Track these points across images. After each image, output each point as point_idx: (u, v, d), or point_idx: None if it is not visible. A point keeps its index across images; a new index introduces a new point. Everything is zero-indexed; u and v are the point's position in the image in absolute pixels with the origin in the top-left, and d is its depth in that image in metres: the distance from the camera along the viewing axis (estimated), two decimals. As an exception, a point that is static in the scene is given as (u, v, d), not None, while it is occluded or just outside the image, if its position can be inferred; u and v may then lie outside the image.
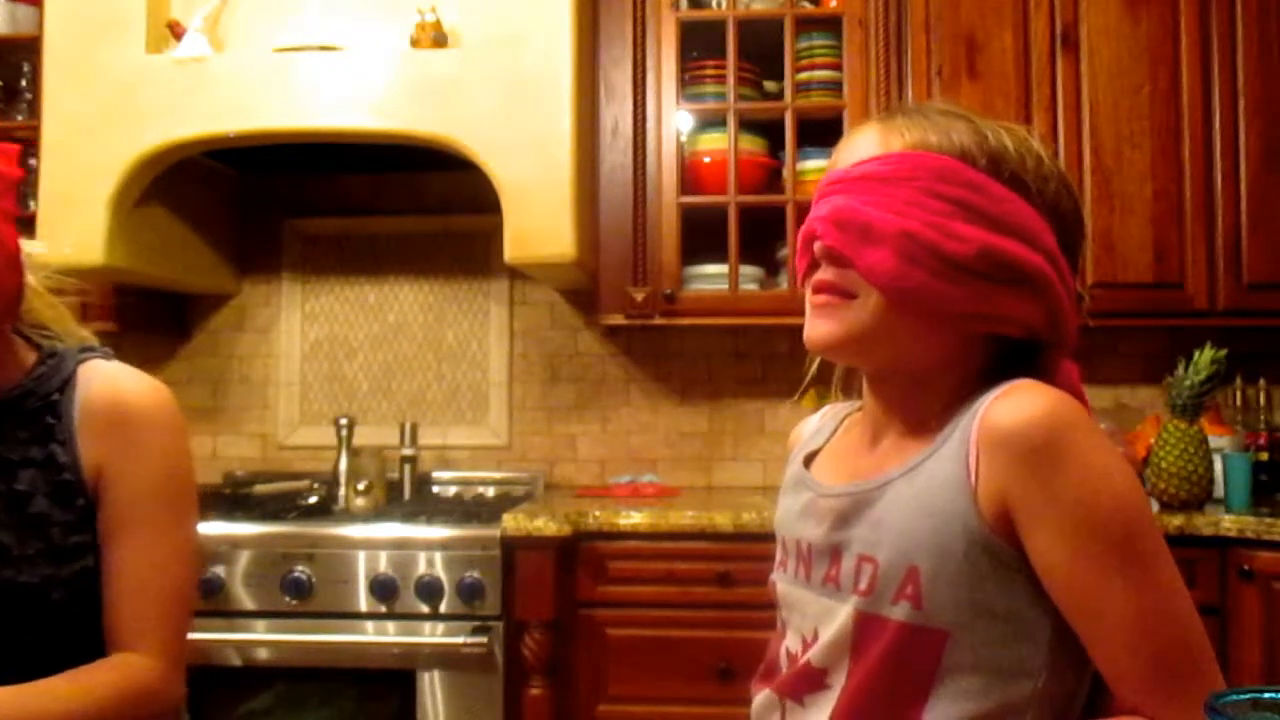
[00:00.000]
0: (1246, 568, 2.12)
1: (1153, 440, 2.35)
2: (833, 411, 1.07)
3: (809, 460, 1.03)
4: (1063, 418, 0.80)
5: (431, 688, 2.16)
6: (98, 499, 1.03)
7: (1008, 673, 0.82)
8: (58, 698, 0.94)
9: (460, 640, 2.13)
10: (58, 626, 1.01)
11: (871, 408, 0.96)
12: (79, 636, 1.02)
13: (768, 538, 2.25)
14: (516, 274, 2.86)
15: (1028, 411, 0.80)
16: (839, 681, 0.87)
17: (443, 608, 2.16)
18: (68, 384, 1.05)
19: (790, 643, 0.95)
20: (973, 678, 0.82)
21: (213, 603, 2.17)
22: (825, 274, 0.89)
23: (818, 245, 0.90)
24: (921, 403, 0.90)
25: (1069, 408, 0.81)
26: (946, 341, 0.88)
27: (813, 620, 0.91)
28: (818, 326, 0.91)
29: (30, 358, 1.07)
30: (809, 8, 2.64)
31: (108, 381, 1.06)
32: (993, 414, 0.82)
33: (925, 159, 0.86)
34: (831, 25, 2.61)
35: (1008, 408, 0.81)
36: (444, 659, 2.15)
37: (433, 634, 2.16)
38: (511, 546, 2.19)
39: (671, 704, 2.23)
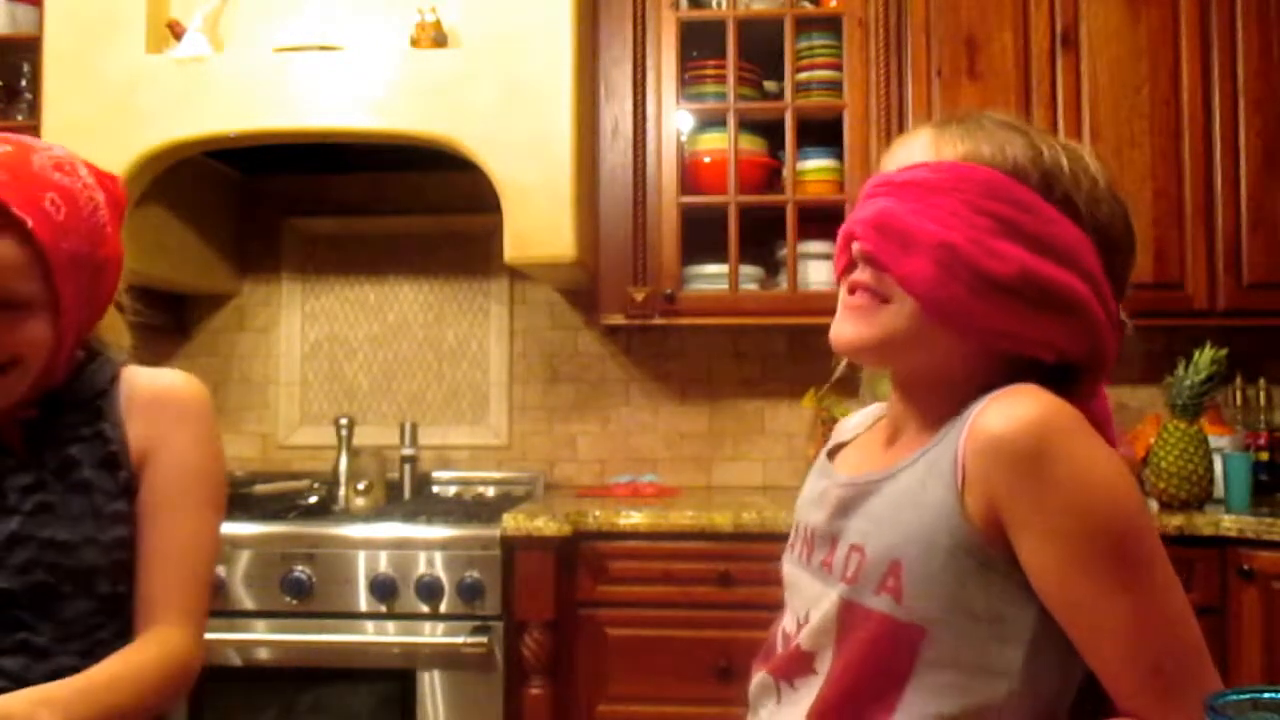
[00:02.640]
0: (1246, 568, 2.12)
1: (1153, 440, 2.35)
2: (873, 409, 1.08)
3: (836, 451, 1.04)
4: (1051, 424, 0.79)
5: (431, 688, 2.16)
6: (139, 477, 1.11)
7: (984, 673, 0.82)
8: (118, 690, 0.99)
9: (460, 640, 2.13)
10: (87, 585, 1.06)
11: (896, 408, 0.96)
12: (105, 598, 1.07)
13: (768, 538, 2.28)
14: (516, 274, 2.86)
15: (1016, 417, 0.80)
16: (824, 667, 0.88)
17: (443, 607, 2.16)
18: (114, 381, 1.14)
19: (786, 623, 0.96)
20: (948, 675, 0.82)
21: (213, 603, 2.16)
22: (862, 275, 0.89)
23: (856, 247, 0.89)
24: (939, 408, 0.90)
25: (1059, 414, 0.80)
26: (973, 354, 0.88)
27: (806, 603, 0.93)
28: (846, 327, 0.90)
29: (79, 357, 1.15)
30: (809, 8, 2.64)
31: (151, 376, 1.17)
32: (983, 418, 0.82)
33: (974, 171, 0.85)
34: (831, 25, 2.61)
35: (997, 412, 0.81)
36: (444, 659, 2.15)
37: (433, 634, 2.16)
38: (511, 546, 2.19)
39: (671, 704, 2.23)
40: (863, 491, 0.91)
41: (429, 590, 2.15)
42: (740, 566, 2.22)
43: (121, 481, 1.09)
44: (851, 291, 0.90)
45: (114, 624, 1.08)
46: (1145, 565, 0.79)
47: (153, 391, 1.14)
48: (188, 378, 1.18)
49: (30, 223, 0.98)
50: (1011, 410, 0.80)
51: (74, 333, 1.06)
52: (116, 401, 1.12)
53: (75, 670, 1.02)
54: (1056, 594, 0.80)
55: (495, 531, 2.18)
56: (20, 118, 2.74)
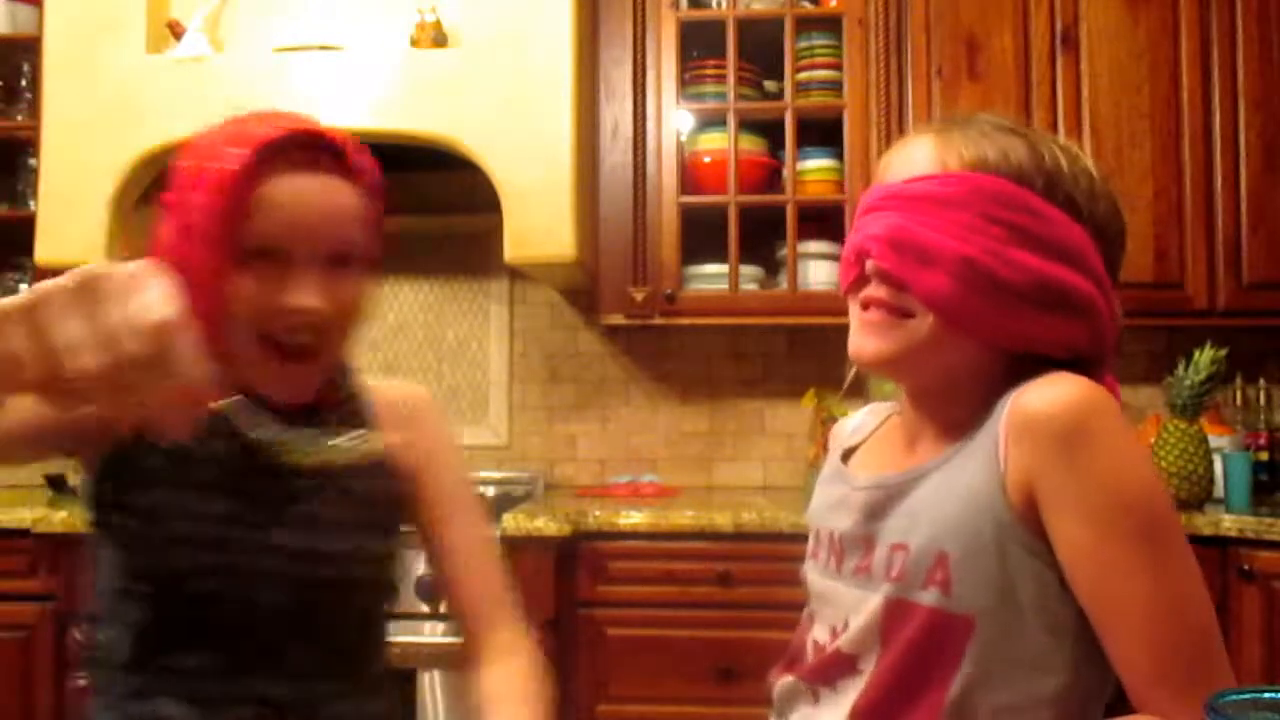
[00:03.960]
0: (1246, 568, 2.12)
1: (1153, 440, 2.35)
2: (875, 410, 1.08)
3: (847, 456, 1.04)
4: (1090, 404, 0.80)
5: (431, 687, 2.16)
6: (412, 489, 1.08)
7: (1031, 665, 0.83)
8: (531, 701, 1.01)
9: (460, 640, 2.12)
10: (354, 600, 1.02)
11: (909, 414, 0.97)
12: (368, 613, 1.05)
13: (768, 538, 2.28)
14: (516, 274, 2.86)
15: (1056, 397, 0.81)
16: (869, 666, 0.88)
17: (443, 607, 2.16)
18: (358, 386, 1.11)
19: (818, 634, 0.95)
20: (996, 667, 0.83)
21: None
22: (878, 292, 0.89)
23: (870, 264, 0.89)
24: (959, 410, 0.90)
25: (1097, 395, 0.81)
26: (991, 359, 0.89)
27: (844, 611, 0.92)
28: (869, 343, 0.90)
29: None
30: (809, 8, 2.64)
31: (395, 386, 1.14)
32: (1022, 401, 0.83)
33: (984, 181, 0.86)
34: (831, 25, 2.61)
35: (1036, 394, 0.82)
36: (444, 659, 2.15)
37: (433, 634, 2.16)
38: (511, 546, 2.19)
39: (671, 704, 2.23)
40: (895, 491, 0.91)
41: (429, 590, 2.15)
42: (740, 566, 2.22)
43: (391, 492, 1.05)
44: (865, 307, 0.90)
45: (373, 641, 1.05)
46: (1171, 549, 0.80)
47: (409, 402, 1.12)
48: (419, 385, 1.17)
49: (369, 176, 0.96)
50: (1051, 392, 0.81)
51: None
52: (370, 409, 1.08)
53: (342, 694, 0.98)
54: (1085, 571, 0.80)
55: (495, 531, 2.18)
56: (20, 118, 2.75)
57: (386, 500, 1.05)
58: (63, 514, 2.25)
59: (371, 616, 1.06)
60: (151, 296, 0.56)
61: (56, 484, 2.55)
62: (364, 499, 1.03)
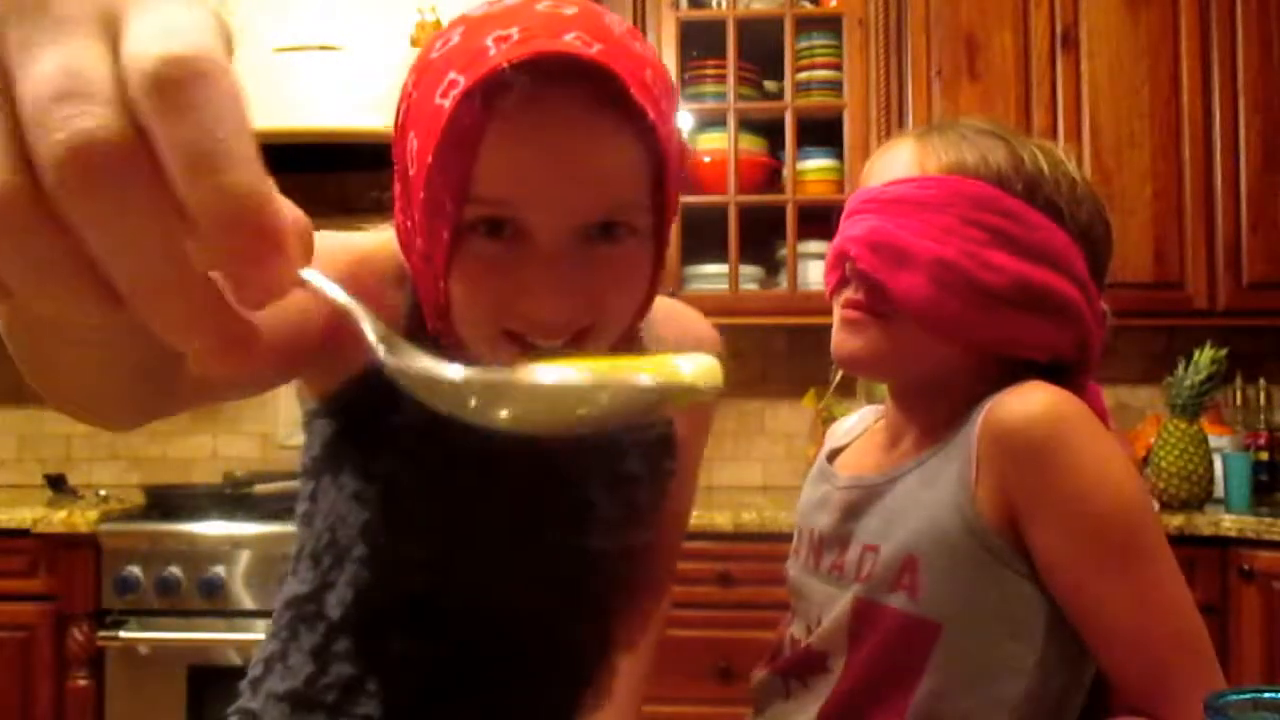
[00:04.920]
0: (1246, 567, 2.12)
1: (1153, 440, 2.35)
2: (870, 412, 1.08)
3: (835, 455, 1.04)
4: (1063, 415, 0.80)
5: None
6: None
7: (997, 670, 0.83)
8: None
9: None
10: (602, 604, 0.90)
11: (893, 414, 0.97)
12: (612, 609, 0.93)
13: (768, 538, 2.27)
14: (516, 274, 2.86)
15: (1029, 408, 0.81)
16: (838, 665, 0.88)
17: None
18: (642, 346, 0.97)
19: (795, 630, 0.96)
20: (962, 671, 0.83)
21: (213, 602, 2.16)
22: (857, 293, 0.89)
23: (849, 265, 0.89)
24: (940, 411, 0.91)
25: (1071, 406, 0.81)
26: (969, 360, 0.89)
27: (818, 608, 0.92)
28: (847, 343, 0.90)
29: None
30: (809, 8, 2.64)
31: (690, 322, 1.01)
32: (995, 411, 0.83)
33: (963, 185, 0.86)
34: (831, 25, 2.61)
35: (1010, 405, 0.82)
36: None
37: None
38: (511, 546, 2.19)
39: (671, 704, 2.23)
40: (872, 492, 0.91)
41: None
42: (740, 566, 2.22)
43: (665, 471, 0.89)
44: (847, 307, 0.91)
45: (608, 641, 0.94)
46: (1150, 556, 0.80)
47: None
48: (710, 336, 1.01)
49: (651, 114, 0.64)
50: (1024, 402, 0.82)
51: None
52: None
53: (561, 694, 0.90)
54: (1064, 584, 0.80)
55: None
56: (20, 118, 2.75)
57: (660, 479, 0.87)
58: (63, 514, 2.25)
59: (611, 620, 0.93)
60: (164, 18, 0.26)
61: (56, 484, 2.56)
62: (644, 484, 0.86)
